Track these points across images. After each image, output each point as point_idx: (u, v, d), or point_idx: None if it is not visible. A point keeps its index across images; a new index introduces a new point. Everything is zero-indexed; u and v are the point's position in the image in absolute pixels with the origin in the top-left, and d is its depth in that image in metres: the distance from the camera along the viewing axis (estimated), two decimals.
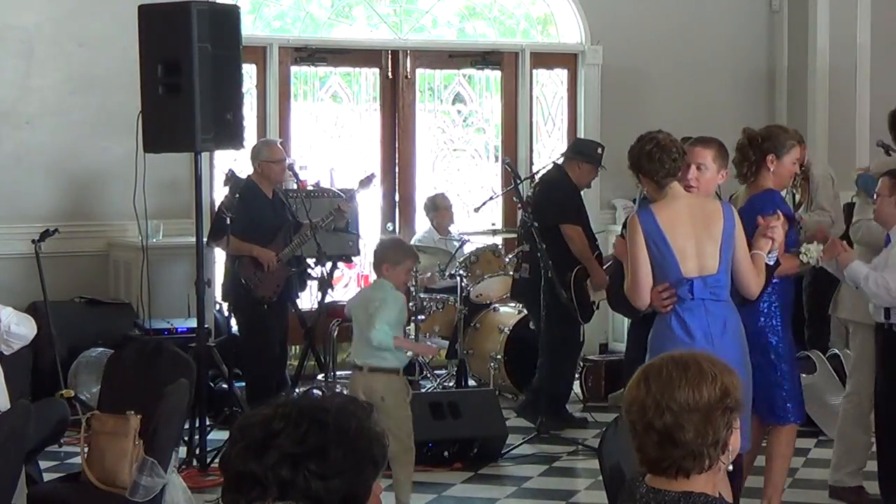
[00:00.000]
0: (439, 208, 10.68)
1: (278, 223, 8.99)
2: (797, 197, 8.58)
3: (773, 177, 6.30)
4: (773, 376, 6.31)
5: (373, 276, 11.20)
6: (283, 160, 9.09)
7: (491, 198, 10.46)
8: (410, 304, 9.80)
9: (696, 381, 3.10)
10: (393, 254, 6.88)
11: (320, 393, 8.86)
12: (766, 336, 6.30)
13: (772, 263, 5.88)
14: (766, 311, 6.30)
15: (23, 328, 6.17)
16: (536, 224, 8.56)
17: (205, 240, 8.22)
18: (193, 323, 8.57)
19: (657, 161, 5.67)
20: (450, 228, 10.66)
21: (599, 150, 9.16)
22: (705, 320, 5.69)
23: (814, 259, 6.26)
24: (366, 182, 9.46)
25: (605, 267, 8.71)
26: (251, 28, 10.50)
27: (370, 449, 2.61)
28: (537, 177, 9.61)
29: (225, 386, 8.61)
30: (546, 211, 8.76)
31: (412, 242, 10.58)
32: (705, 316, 5.69)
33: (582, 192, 9.14)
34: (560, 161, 9.25)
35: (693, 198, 5.81)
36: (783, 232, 5.89)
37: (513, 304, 9.78)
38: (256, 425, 2.59)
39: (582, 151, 9.15)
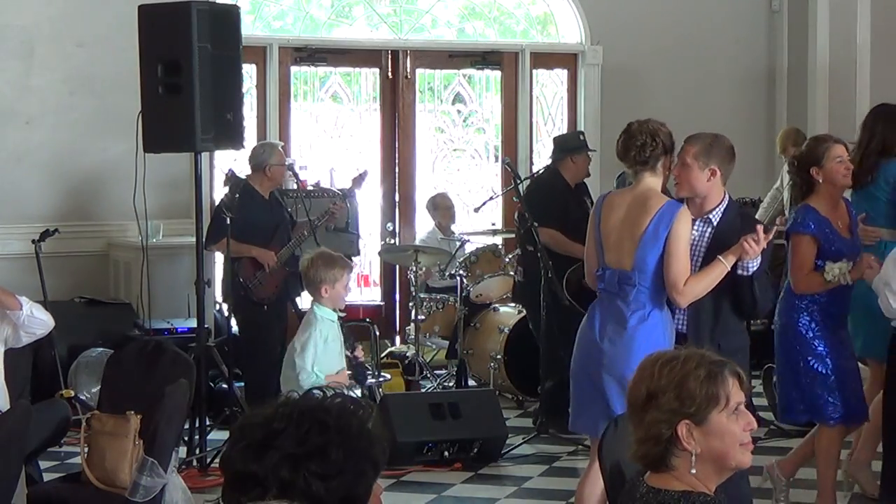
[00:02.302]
0: (439, 208, 10.68)
1: (275, 222, 8.98)
2: None
3: (826, 185, 6.39)
4: (797, 375, 6.38)
5: (373, 276, 11.37)
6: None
7: (491, 198, 10.46)
8: (409, 303, 9.78)
9: (638, 377, 3.20)
10: (326, 272, 6.62)
11: (320, 393, 8.82)
12: (797, 335, 6.33)
13: (748, 273, 5.59)
14: (806, 310, 6.33)
15: (43, 314, 6.23)
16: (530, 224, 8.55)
17: (204, 241, 8.22)
18: (193, 323, 8.57)
19: (622, 146, 5.77)
20: (452, 228, 10.66)
21: (582, 137, 9.12)
22: (606, 314, 5.67)
23: (838, 278, 6.10)
24: (358, 180, 9.46)
25: None
26: (251, 28, 10.50)
27: (370, 449, 2.61)
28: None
29: (225, 386, 8.60)
30: (529, 211, 8.71)
31: (415, 242, 10.60)
32: (607, 309, 5.68)
33: (587, 182, 9.12)
34: (550, 163, 9.20)
35: (646, 192, 5.70)
36: (758, 249, 5.53)
37: (513, 304, 9.78)
38: (257, 425, 2.59)
39: (570, 147, 9.06)
